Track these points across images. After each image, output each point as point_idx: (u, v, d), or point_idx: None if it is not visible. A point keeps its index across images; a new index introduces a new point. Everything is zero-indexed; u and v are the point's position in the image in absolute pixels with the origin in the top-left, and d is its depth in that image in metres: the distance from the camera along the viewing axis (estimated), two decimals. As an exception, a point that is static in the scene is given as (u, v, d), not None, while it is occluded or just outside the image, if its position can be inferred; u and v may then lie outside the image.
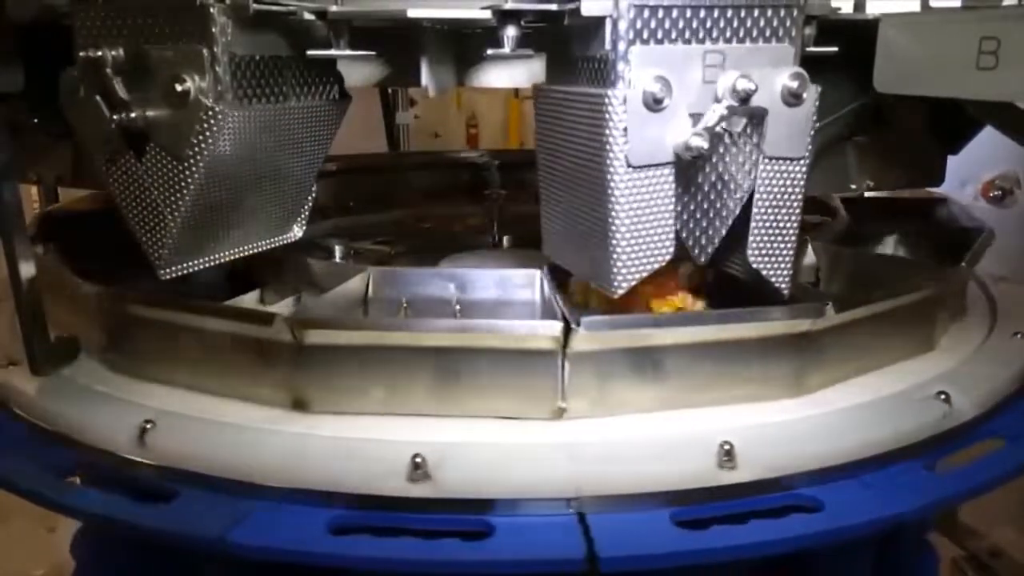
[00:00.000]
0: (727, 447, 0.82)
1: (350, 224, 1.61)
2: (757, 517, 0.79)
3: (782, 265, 0.91)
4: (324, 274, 1.08)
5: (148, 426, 0.87)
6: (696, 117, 0.81)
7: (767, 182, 0.87)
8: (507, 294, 1.04)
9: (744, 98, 0.80)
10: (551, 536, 0.77)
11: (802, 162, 0.87)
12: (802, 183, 0.88)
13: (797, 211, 0.89)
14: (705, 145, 0.80)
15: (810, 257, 1.22)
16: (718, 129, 0.81)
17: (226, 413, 0.91)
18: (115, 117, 0.87)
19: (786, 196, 0.88)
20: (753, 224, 0.88)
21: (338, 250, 1.35)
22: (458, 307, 1.03)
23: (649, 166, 0.81)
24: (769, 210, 0.88)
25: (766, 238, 0.89)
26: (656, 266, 0.86)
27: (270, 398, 0.92)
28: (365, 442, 0.85)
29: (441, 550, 0.76)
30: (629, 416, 0.89)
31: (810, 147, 0.87)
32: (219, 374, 0.95)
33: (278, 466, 0.83)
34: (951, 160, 1.26)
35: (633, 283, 0.85)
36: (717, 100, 0.81)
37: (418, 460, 0.80)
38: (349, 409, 0.90)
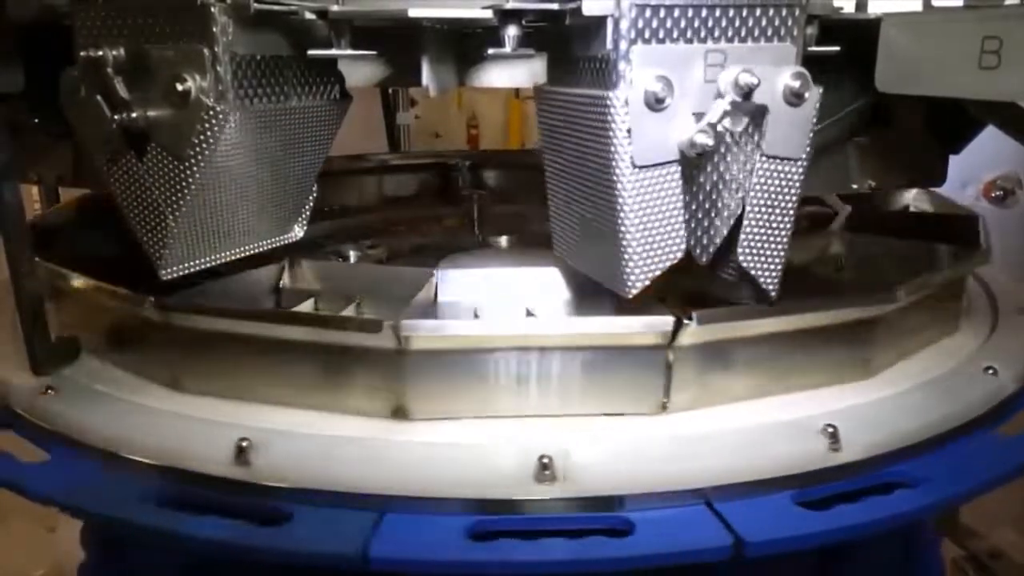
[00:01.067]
0: (831, 430, 0.86)
1: (330, 228, 1.56)
2: (867, 495, 0.83)
3: (772, 267, 0.90)
4: (386, 279, 1.08)
5: (244, 444, 0.84)
6: (699, 116, 0.81)
7: (763, 181, 0.86)
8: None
9: (747, 92, 0.80)
10: (690, 526, 0.79)
11: (800, 163, 0.87)
12: (799, 185, 0.88)
13: (791, 213, 0.89)
14: (710, 142, 0.79)
15: (836, 247, 1.26)
16: (721, 127, 0.81)
17: (334, 427, 0.88)
18: (116, 117, 0.86)
19: (781, 197, 0.88)
20: (746, 223, 0.87)
21: (352, 254, 1.35)
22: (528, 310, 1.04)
23: (655, 165, 0.82)
24: (763, 209, 0.87)
25: (758, 238, 0.88)
26: (668, 264, 0.86)
27: (370, 407, 0.90)
28: (484, 446, 0.85)
29: (586, 549, 0.77)
30: (729, 406, 0.93)
31: (809, 149, 0.87)
32: (321, 388, 0.92)
33: (406, 476, 0.82)
34: (952, 160, 1.26)
35: (646, 283, 0.86)
36: (720, 95, 0.81)
37: (545, 461, 0.80)
38: (456, 414, 0.89)
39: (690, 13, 0.80)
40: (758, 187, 0.86)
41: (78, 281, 1.04)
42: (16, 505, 0.95)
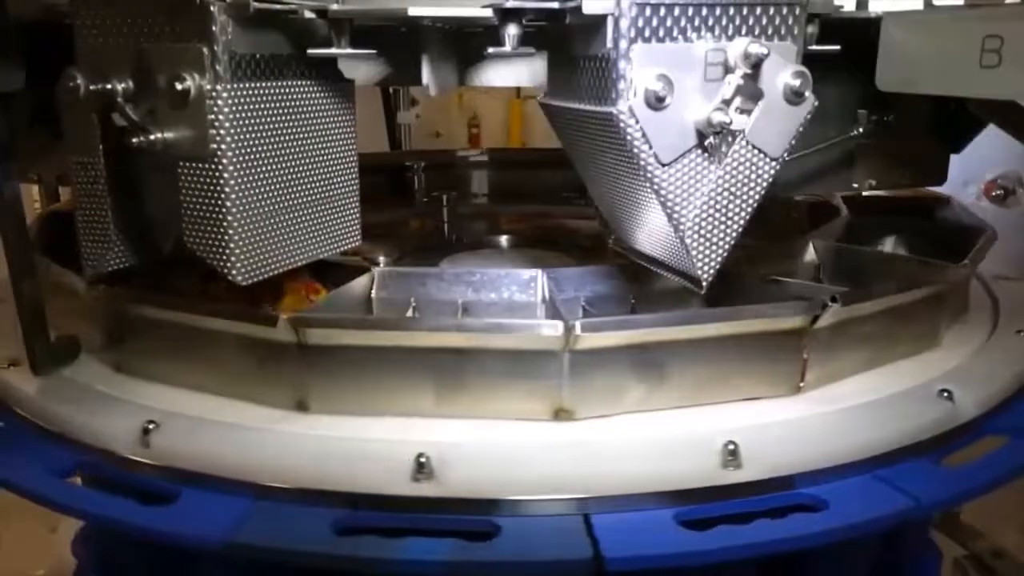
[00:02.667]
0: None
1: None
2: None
3: (715, 254, 0.87)
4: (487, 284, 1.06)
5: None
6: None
7: (734, 164, 0.85)
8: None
9: (756, 63, 0.80)
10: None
11: (774, 163, 0.86)
12: (765, 184, 0.86)
13: (750, 207, 0.87)
14: (727, 118, 0.80)
15: (810, 255, 1.21)
16: (735, 107, 0.81)
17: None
18: (134, 141, 0.87)
19: (746, 187, 0.86)
20: (705, 199, 0.85)
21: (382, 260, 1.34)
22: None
23: (680, 156, 0.82)
24: (723, 192, 0.85)
25: (709, 219, 0.86)
26: (733, 239, 0.86)
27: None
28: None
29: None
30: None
31: (786, 156, 0.86)
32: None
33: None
34: (953, 159, 1.26)
35: (717, 266, 0.87)
36: (729, 69, 0.81)
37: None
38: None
39: (690, 12, 0.80)
40: (727, 167, 0.85)
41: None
42: (16, 505, 0.94)
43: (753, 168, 0.86)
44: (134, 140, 0.87)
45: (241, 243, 0.89)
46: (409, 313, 1.04)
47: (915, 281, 1.06)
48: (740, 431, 0.84)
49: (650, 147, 0.81)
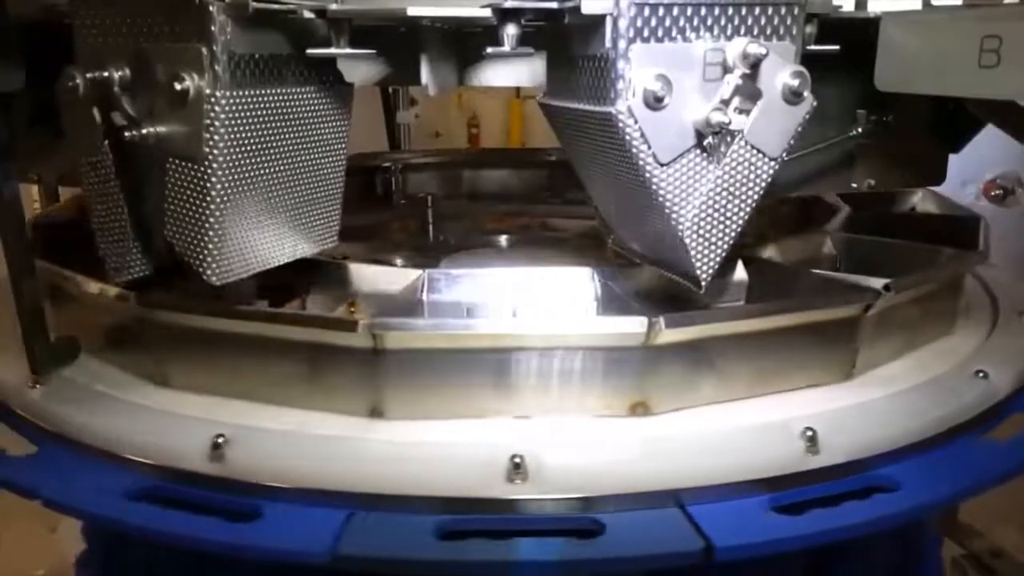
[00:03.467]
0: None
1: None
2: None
3: (713, 254, 0.88)
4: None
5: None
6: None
7: (732, 164, 0.85)
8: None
9: (755, 64, 0.80)
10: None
11: (772, 163, 0.86)
12: (763, 184, 0.87)
13: (747, 209, 0.88)
14: (726, 118, 0.80)
15: (740, 274, 1.17)
16: (734, 107, 0.81)
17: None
18: (126, 135, 0.86)
19: (744, 187, 0.87)
20: (701, 200, 0.86)
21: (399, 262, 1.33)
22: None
23: (679, 156, 0.82)
24: (721, 192, 0.86)
25: (707, 220, 0.87)
26: (731, 241, 0.87)
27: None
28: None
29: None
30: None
31: (784, 156, 0.87)
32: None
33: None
34: (952, 159, 1.26)
35: (716, 266, 0.87)
36: (728, 70, 0.81)
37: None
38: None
39: (689, 12, 0.80)
40: (726, 167, 0.85)
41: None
42: (16, 505, 0.94)
43: (752, 168, 0.86)
44: (127, 134, 0.86)
45: (220, 244, 0.89)
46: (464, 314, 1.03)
47: (934, 268, 1.11)
48: (814, 417, 0.88)
49: (649, 147, 0.81)
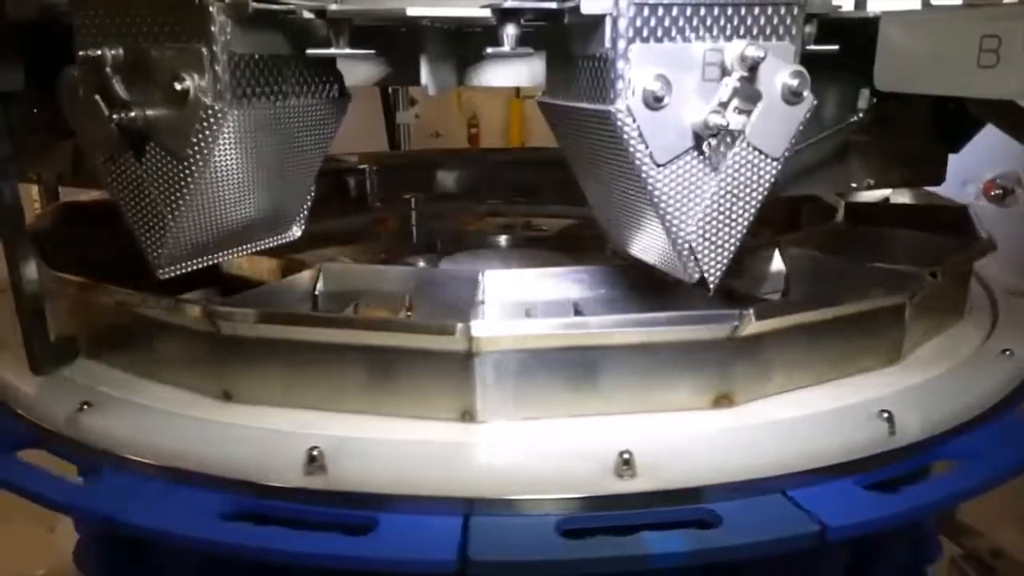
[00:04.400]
0: (626, 456, 0.82)
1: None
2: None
3: (720, 258, 0.88)
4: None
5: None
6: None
7: (736, 166, 0.85)
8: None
9: (753, 66, 0.80)
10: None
11: (775, 163, 0.86)
12: (767, 184, 0.87)
13: (753, 208, 0.88)
14: (724, 121, 0.80)
15: (778, 264, 1.21)
16: (732, 109, 0.81)
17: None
18: (115, 117, 0.86)
19: (748, 189, 0.87)
20: (709, 202, 0.86)
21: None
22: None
23: (676, 157, 0.82)
24: (726, 195, 0.86)
25: (713, 223, 0.87)
26: (737, 241, 0.87)
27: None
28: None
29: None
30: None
31: (787, 155, 0.87)
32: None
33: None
34: (952, 159, 1.26)
35: (724, 268, 0.87)
36: (727, 72, 0.81)
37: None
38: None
39: (688, 12, 0.80)
40: (729, 170, 0.85)
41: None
42: (16, 505, 0.94)
43: (755, 169, 0.86)
44: (115, 116, 0.86)
45: (177, 237, 0.90)
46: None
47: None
48: (885, 400, 0.91)
49: (646, 147, 0.81)
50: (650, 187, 0.83)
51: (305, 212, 1.07)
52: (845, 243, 1.31)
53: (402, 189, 1.68)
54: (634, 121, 0.79)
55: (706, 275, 0.88)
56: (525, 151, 2.10)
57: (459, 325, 0.85)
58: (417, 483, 0.81)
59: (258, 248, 1.03)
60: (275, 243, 1.05)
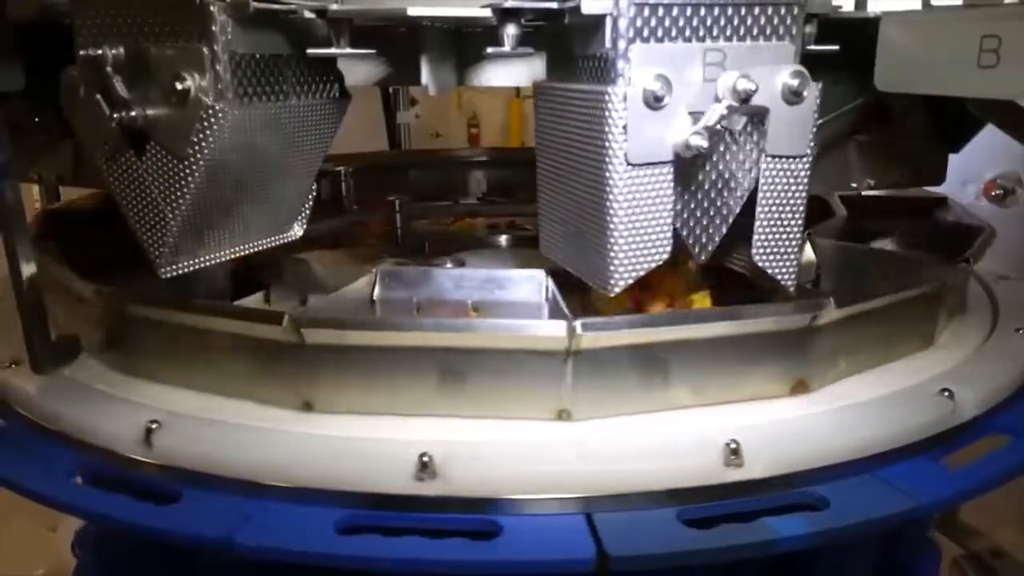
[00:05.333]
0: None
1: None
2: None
3: (787, 262, 0.91)
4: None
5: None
6: (696, 116, 0.81)
7: (770, 180, 0.87)
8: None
9: (744, 98, 0.80)
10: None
11: (805, 159, 0.87)
12: (805, 180, 0.88)
13: (801, 208, 0.90)
14: (705, 144, 0.79)
15: (809, 254, 1.24)
16: (719, 127, 0.81)
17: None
18: (115, 116, 0.87)
19: (790, 193, 0.88)
20: (758, 223, 0.88)
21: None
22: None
23: (648, 164, 0.81)
24: (773, 208, 0.88)
25: (771, 235, 0.89)
26: (652, 265, 0.86)
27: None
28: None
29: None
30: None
31: (812, 144, 0.87)
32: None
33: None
34: (952, 159, 1.26)
35: (629, 282, 0.85)
36: (717, 100, 0.81)
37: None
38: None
39: (689, 12, 0.80)
40: (766, 187, 0.87)
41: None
42: (16, 505, 0.95)
43: (788, 174, 0.87)
44: (116, 115, 0.86)
45: (178, 236, 0.90)
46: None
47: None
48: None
49: (624, 139, 0.79)
50: (610, 184, 0.81)
51: (306, 212, 1.08)
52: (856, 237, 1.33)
53: (376, 191, 1.69)
54: (624, 110, 0.79)
55: (780, 281, 0.91)
56: (492, 151, 2.09)
57: (560, 324, 0.83)
58: (532, 483, 0.81)
59: (258, 248, 1.03)
60: (276, 243, 1.05)
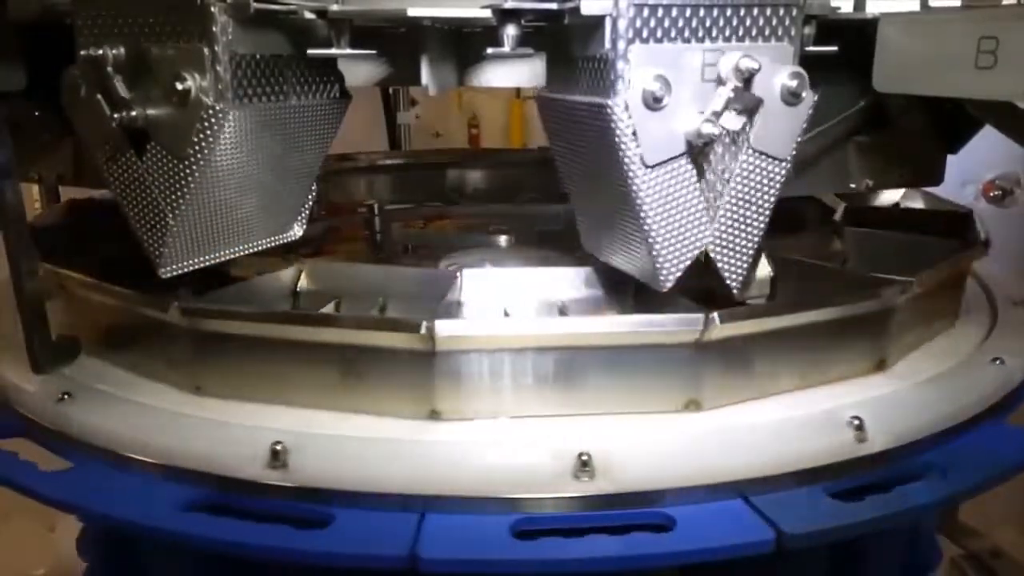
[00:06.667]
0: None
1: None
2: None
3: (740, 262, 0.90)
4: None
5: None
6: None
7: (744, 174, 0.86)
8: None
9: (748, 78, 0.80)
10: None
11: (783, 164, 0.87)
12: (778, 186, 0.88)
13: (766, 212, 0.89)
14: (716, 131, 0.80)
15: (765, 269, 1.15)
16: (724, 120, 0.81)
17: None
18: (116, 116, 0.87)
19: (760, 193, 0.88)
20: (720, 213, 0.87)
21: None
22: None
23: (666, 161, 0.82)
24: (740, 203, 0.87)
25: (730, 231, 0.88)
26: (697, 252, 0.87)
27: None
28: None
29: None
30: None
31: (794, 153, 0.87)
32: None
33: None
34: (951, 160, 1.26)
35: (679, 275, 0.87)
36: (721, 82, 0.81)
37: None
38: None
39: (688, 13, 0.80)
40: (739, 179, 0.86)
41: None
42: (16, 505, 0.95)
43: (764, 173, 0.87)
44: (117, 115, 0.86)
45: (178, 236, 0.91)
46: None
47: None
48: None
49: (637, 145, 0.80)
50: (635, 189, 0.82)
51: (306, 212, 1.08)
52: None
53: (341, 197, 1.68)
54: (629, 117, 0.79)
55: (727, 281, 0.90)
56: (456, 152, 2.08)
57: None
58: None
59: (259, 248, 1.03)
60: (276, 243, 1.06)
